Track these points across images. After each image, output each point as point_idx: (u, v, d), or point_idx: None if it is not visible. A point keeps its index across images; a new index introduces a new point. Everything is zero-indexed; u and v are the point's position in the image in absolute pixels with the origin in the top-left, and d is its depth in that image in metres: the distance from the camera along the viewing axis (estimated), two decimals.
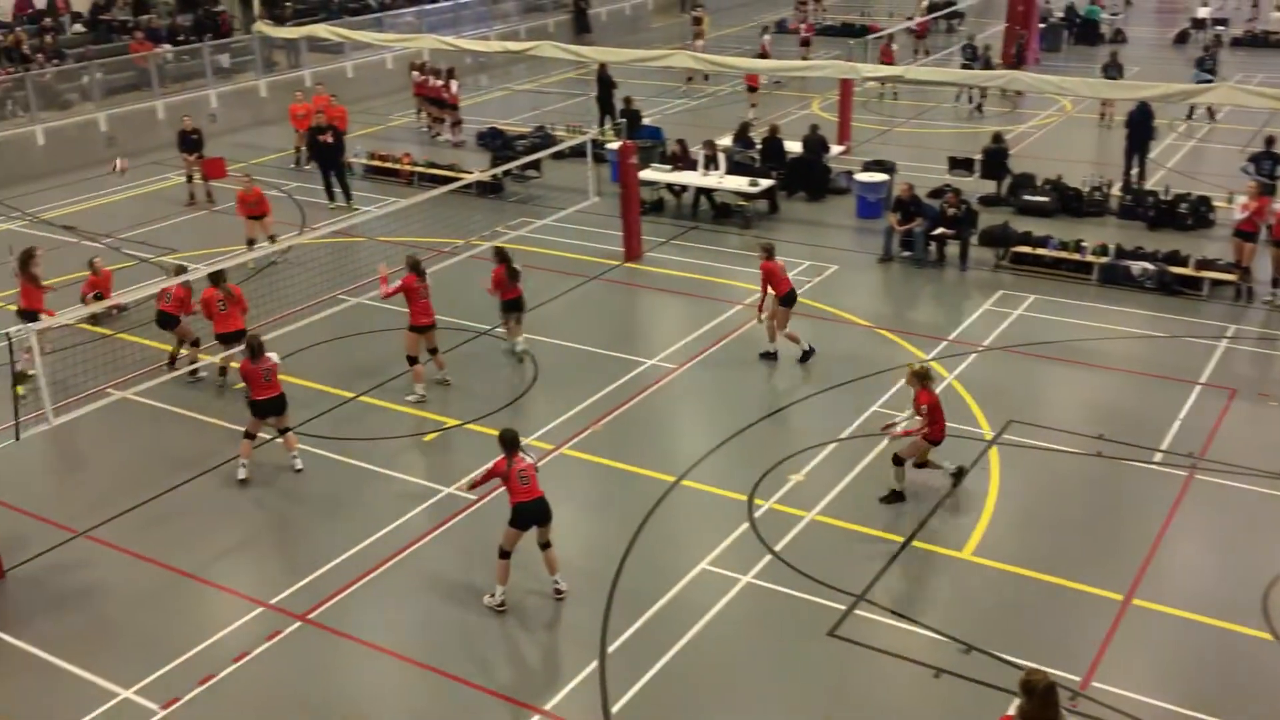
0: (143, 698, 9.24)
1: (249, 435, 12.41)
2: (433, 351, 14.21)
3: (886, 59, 28.71)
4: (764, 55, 30.19)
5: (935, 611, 10.00)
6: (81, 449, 13.47)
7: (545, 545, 10.22)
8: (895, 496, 11.63)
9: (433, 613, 10.24)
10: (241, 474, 12.35)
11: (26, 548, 11.31)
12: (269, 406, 12.25)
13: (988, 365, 14.64)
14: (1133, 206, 19.73)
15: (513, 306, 14.80)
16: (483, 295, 14.90)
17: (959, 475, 11.85)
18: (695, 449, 12.78)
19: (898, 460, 11.61)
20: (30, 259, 14.70)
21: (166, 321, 14.69)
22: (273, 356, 12.18)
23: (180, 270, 14.77)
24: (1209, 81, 25.71)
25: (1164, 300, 16.45)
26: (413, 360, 13.97)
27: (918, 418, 11.40)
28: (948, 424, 11.60)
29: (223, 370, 14.56)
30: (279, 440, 12.67)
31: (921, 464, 11.67)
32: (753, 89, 28.47)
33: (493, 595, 10.22)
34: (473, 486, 10.47)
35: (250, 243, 18.34)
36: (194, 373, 14.65)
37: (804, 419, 13.51)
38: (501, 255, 14.59)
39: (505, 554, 10.09)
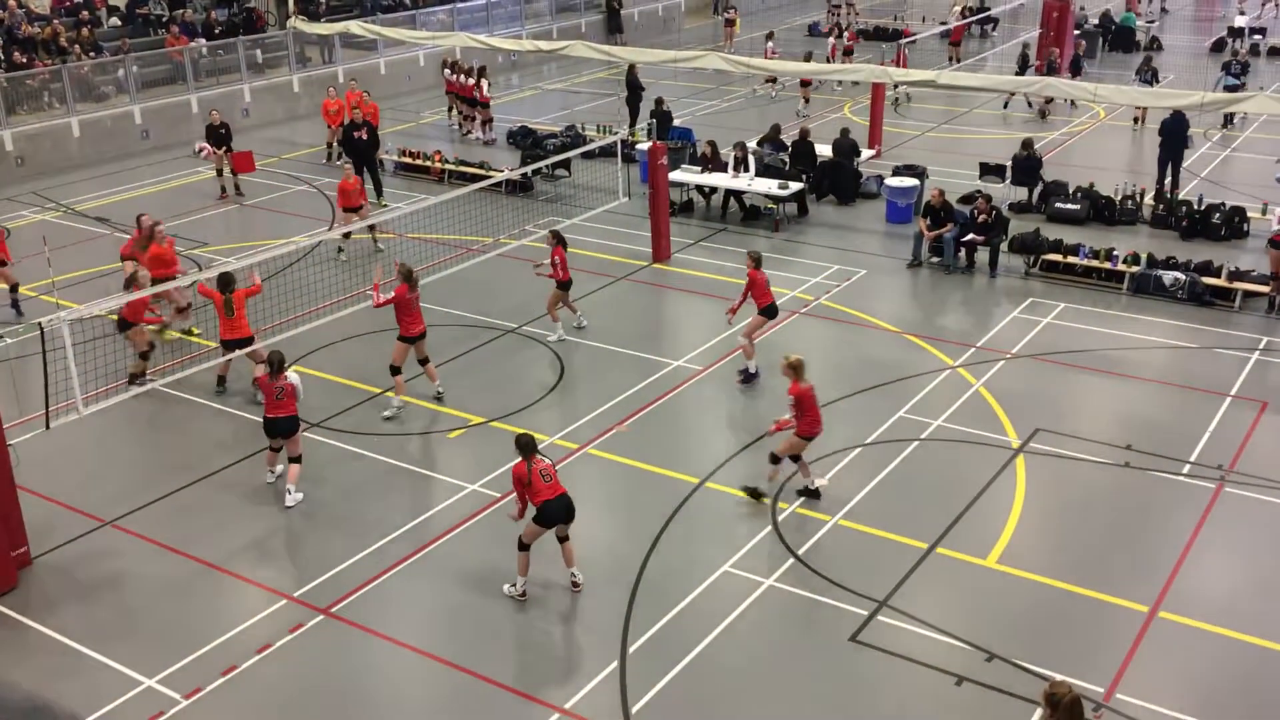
0: (166, 687, 9.30)
1: (272, 448, 12.23)
2: (423, 362, 13.87)
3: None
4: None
5: (958, 619, 9.94)
6: (111, 439, 13.58)
7: (564, 539, 10.31)
8: (753, 493, 11.72)
9: (455, 608, 10.27)
10: (269, 478, 12.32)
11: (54, 535, 11.42)
12: (276, 427, 11.80)
13: (1016, 373, 14.54)
14: (1165, 216, 19.57)
15: (568, 286, 15.40)
16: (510, 293, 15.00)
17: (809, 494, 11.71)
18: (720, 451, 12.77)
19: (773, 458, 11.67)
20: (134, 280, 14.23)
21: (122, 325, 14.15)
22: (292, 378, 11.76)
23: (132, 278, 14.02)
24: (1235, 87, 25.57)
25: (1195, 311, 16.29)
26: (396, 370, 13.64)
27: (789, 412, 11.42)
28: (972, 429, 11.52)
29: (221, 379, 14.35)
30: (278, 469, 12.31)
31: (795, 459, 11.65)
32: (806, 83, 28.38)
33: (514, 585, 10.33)
34: (520, 514, 10.19)
35: (346, 235, 18.66)
36: (137, 381, 14.10)
37: (829, 423, 13.39)
38: (559, 237, 15.20)
39: (525, 547, 10.20)
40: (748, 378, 14.33)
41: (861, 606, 10.06)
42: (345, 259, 18.78)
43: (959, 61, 32.46)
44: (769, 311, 14.29)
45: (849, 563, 10.70)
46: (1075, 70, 28.77)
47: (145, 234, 15.72)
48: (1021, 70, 28.71)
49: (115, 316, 14.29)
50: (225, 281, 13.39)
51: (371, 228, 18.76)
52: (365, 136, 21.54)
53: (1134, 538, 11.10)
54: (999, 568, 10.64)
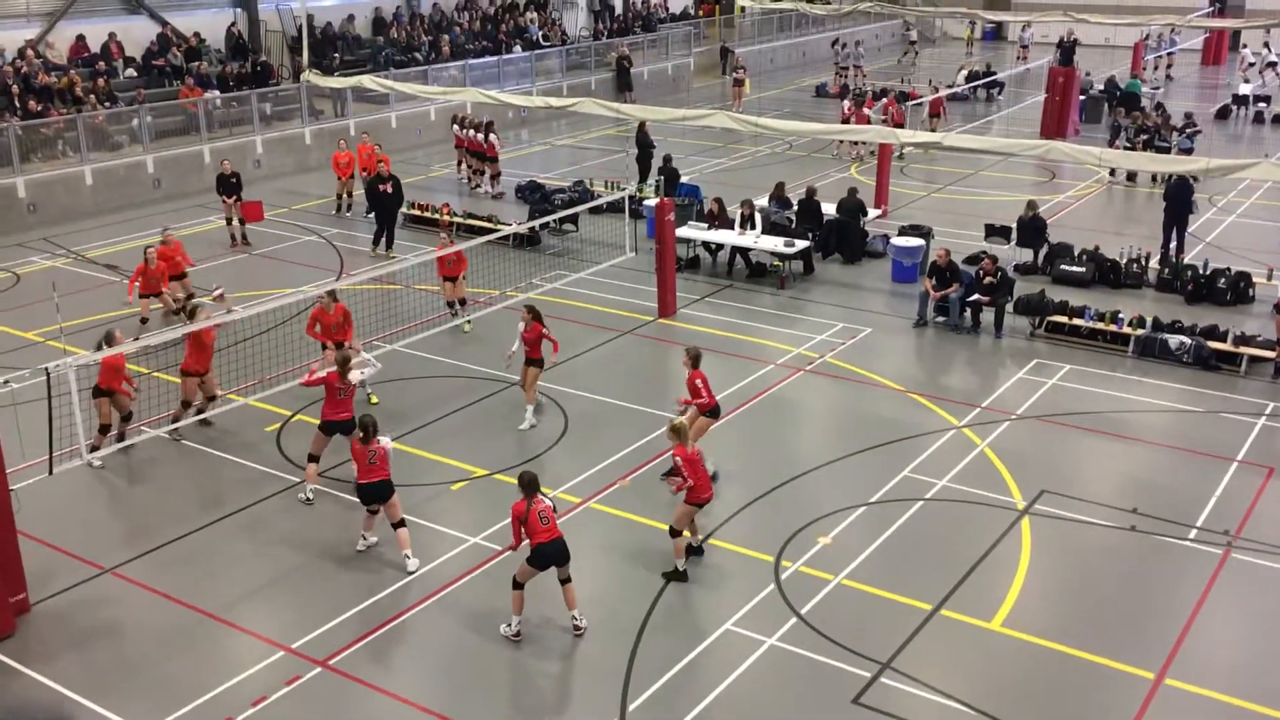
0: None
1: (370, 511, 11.73)
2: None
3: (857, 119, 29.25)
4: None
5: (962, 682, 9.83)
6: (112, 485, 13.56)
7: (565, 581, 10.35)
8: (675, 575, 11.30)
9: (454, 663, 10.18)
10: (361, 545, 11.87)
11: (53, 582, 11.36)
12: (371, 492, 11.43)
13: (1021, 434, 14.51)
14: (1170, 280, 19.62)
15: (539, 364, 14.68)
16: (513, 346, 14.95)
17: (673, 576, 11.32)
18: (722, 508, 12.70)
19: (672, 532, 11.37)
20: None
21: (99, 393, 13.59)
22: (384, 442, 11.43)
23: (109, 340, 13.29)
24: (1189, 150, 25.87)
25: (1201, 375, 16.28)
26: (313, 459, 12.81)
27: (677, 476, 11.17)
28: (977, 490, 11.45)
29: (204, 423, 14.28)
30: (370, 538, 11.99)
31: (677, 533, 11.29)
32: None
33: (509, 625, 10.34)
34: (517, 544, 10.28)
35: (450, 305, 17.92)
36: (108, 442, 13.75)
37: (833, 481, 13.40)
38: (536, 312, 14.51)
39: (519, 585, 10.26)
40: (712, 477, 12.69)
41: (864, 668, 9.96)
42: (470, 329, 18.07)
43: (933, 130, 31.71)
44: (713, 413, 13.13)
45: (852, 623, 10.61)
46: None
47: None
48: (1112, 140, 28.28)
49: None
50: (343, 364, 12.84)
51: (462, 300, 17.94)
52: (390, 190, 21.71)
53: (1140, 603, 11.00)
54: (1004, 631, 10.54)
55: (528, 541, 10.18)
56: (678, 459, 11.13)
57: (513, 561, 10.71)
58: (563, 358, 16.19)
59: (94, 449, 13.10)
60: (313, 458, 12.83)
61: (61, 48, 29.17)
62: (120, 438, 13.90)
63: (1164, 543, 12.02)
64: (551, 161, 30.57)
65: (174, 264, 18.37)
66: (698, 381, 12.89)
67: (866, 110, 30.77)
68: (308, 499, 12.89)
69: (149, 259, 17.01)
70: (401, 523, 11.57)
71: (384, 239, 21.95)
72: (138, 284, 17.80)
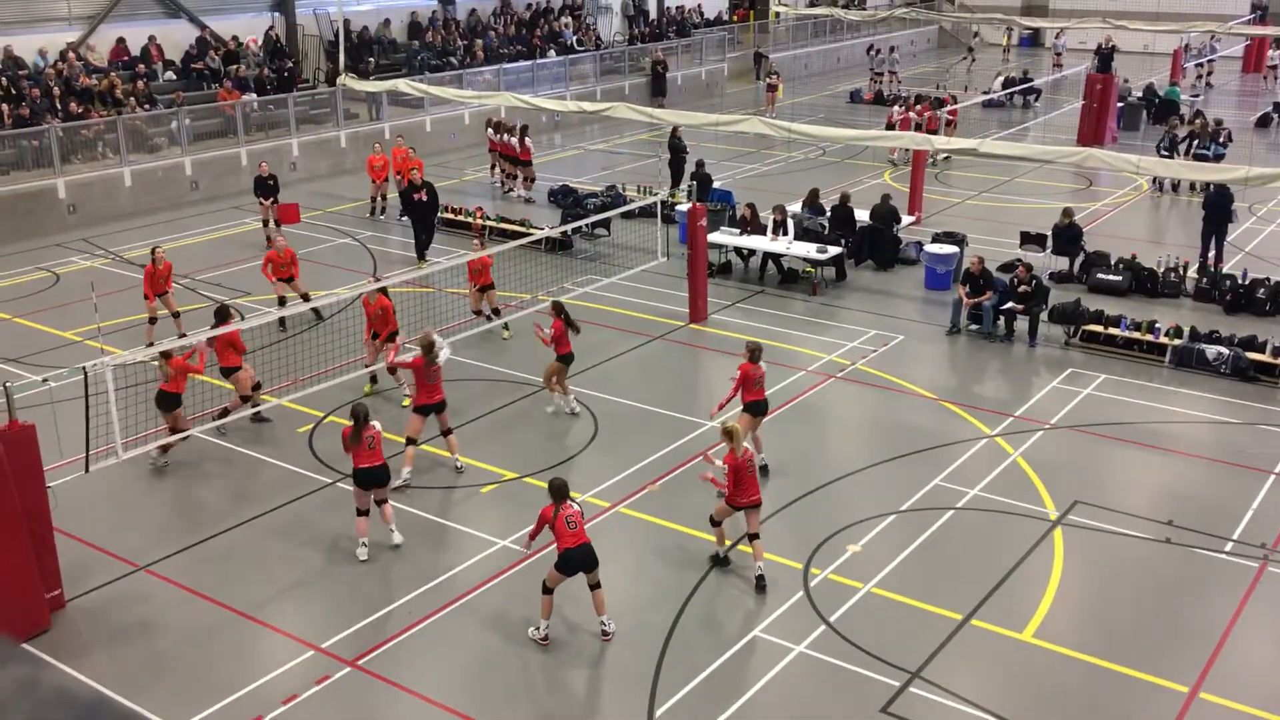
0: None
1: (361, 513, 11.86)
2: (446, 433, 13.69)
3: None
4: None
5: (993, 693, 9.75)
6: (148, 484, 13.69)
7: (595, 586, 10.37)
8: (716, 560, 11.64)
9: (482, 665, 10.20)
10: (362, 555, 11.79)
11: (88, 579, 11.49)
12: (373, 476, 11.70)
13: (1054, 444, 14.38)
14: (1208, 289, 19.41)
15: (569, 360, 14.85)
16: (546, 349, 14.99)
17: (717, 561, 11.66)
18: None
19: (712, 521, 11.63)
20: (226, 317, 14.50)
21: (166, 401, 13.71)
22: (376, 425, 11.86)
23: (223, 316, 14.24)
24: (1203, 157, 25.29)
25: (1239, 386, 16.08)
26: (411, 442, 13.38)
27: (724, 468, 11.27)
28: (1009, 499, 11.37)
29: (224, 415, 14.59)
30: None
31: (717, 524, 11.57)
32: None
33: (537, 629, 10.38)
34: (531, 539, 10.63)
35: (477, 313, 17.72)
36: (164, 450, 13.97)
37: (863, 489, 13.34)
38: (560, 309, 14.72)
39: (548, 590, 10.31)
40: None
41: (893, 677, 9.90)
42: (509, 335, 17.95)
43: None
44: (753, 409, 13.27)
45: (881, 632, 10.55)
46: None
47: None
48: (1170, 151, 27.81)
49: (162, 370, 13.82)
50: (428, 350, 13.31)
51: (496, 310, 17.85)
52: (425, 198, 21.64)
53: (1174, 616, 10.87)
54: (1035, 642, 10.44)
55: (555, 546, 10.22)
56: (723, 465, 11.19)
57: (541, 566, 10.74)
58: (594, 362, 16.21)
59: (223, 413, 14.49)
60: (410, 441, 13.37)
61: (102, 50, 29.53)
62: (254, 405, 14.67)
63: (1199, 555, 11.88)
64: (584, 166, 30.63)
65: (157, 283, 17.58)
66: (739, 372, 13.21)
67: (913, 115, 30.39)
68: (406, 482, 13.21)
69: (156, 259, 17.14)
70: (386, 500, 12.04)
71: (419, 248, 21.81)
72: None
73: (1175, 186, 27.00)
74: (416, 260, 21.76)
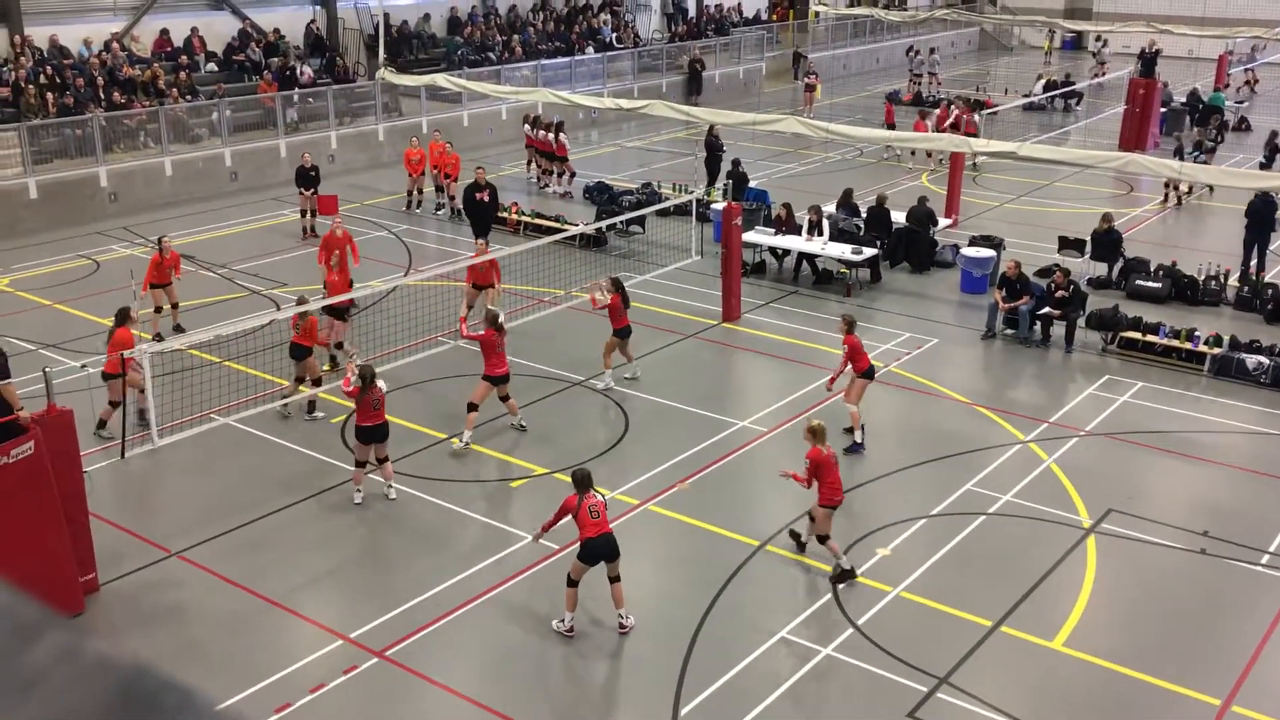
0: None
1: (359, 464, 12.73)
2: (504, 399, 14.34)
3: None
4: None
5: (1021, 701, 9.67)
6: (182, 471, 13.82)
7: (614, 579, 10.36)
8: (842, 574, 11.25)
9: (508, 658, 10.22)
10: (358, 499, 12.68)
11: (121, 564, 11.61)
12: (375, 433, 12.50)
13: (1089, 451, 14.24)
14: (1249, 298, 19.15)
15: (625, 334, 15.47)
16: (578, 345, 15.08)
17: (841, 577, 11.24)
18: (781, 515, 12.62)
19: (821, 539, 11.38)
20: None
21: (298, 351, 14.78)
22: (381, 385, 12.52)
23: (302, 301, 15.00)
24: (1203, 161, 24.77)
25: (1279, 397, 15.85)
26: (473, 408, 14.08)
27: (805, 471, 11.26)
28: (1042, 506, 11.27)
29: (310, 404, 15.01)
30: (375, 474, 12.88)
31: (823, 538, 11.33)
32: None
33: (562, 621, 10.40)
34: (544, 529, 10.65)
35: (470, 306, 17.49)
36: (310, 409, 14.97)
37: (894, 493, 13.26)
38: (618, 284, 15.39)
39: (573, 583, 10.31)
40: (853, 447, 14.01)
41: (921, 682, 9.83)
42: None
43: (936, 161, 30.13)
44: (869, 374, 14.21)
45: (909, 636, 10.48)
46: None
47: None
48: (1268, 162, 27.37)
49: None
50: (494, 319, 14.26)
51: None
52: (487, 198, 21.51)
53: (1208, 627, 10.73)
54: (1065, 650, 10.34)
55: (577, 535, 10.28)
56: (809, 460, 11.17)
57: (568, 560, 10.74)
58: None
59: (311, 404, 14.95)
60: (472, 406, 13.98)
61: (146, 41, 29.83)
62: (316, 382, 15.00)
63: (1235, 567, 11.72)
64: (620, 163, 30.63)
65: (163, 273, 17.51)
66: (848, 345, 13.85)
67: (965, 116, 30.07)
68: (464, 444, 13.91)
69: (163, 249, 17.24)
70: (387, 458, 12.74)
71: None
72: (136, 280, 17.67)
73: (1187, 191, 26.36)
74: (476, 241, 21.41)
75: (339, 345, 16.13)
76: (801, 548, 11.75)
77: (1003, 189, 27.75)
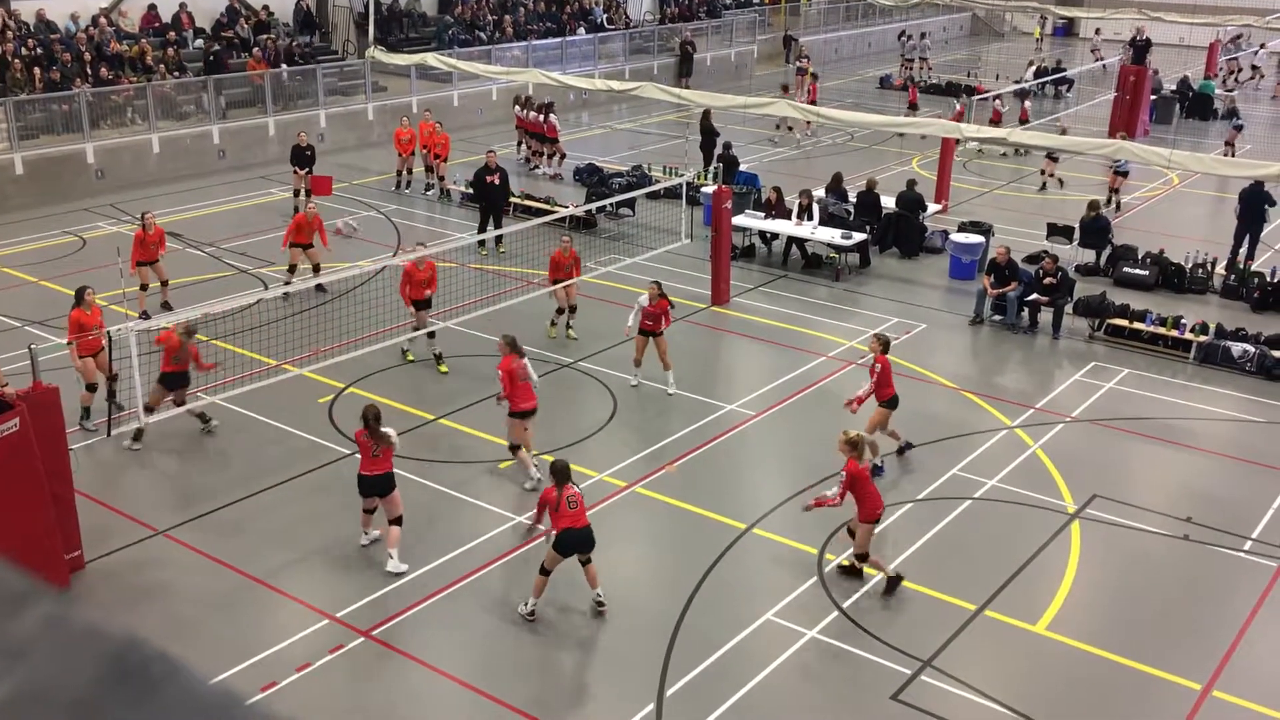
0: None
1: (366, 510, 11.47)
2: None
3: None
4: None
5: (1004, 684, 9.74)
6: (168, 450, 13.79)
7: (585, 562, 10.38)
8: (892, 582, 10.90)
9: (494, 639, 10.25)
10: (364, 540, 11.53)
11: (108, 541, 11.59)
12: (372, 485, 11.13)
13: (1075, 437, 14.31)
14: (1236, 286, 19.23)
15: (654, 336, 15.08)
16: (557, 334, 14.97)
17: (890, 587, 10.88)
18: (768, 498, 12.67)
19: (862, 558, 10.97)
20: None
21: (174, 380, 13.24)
22: (390, 433, 11.06)
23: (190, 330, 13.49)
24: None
25: (1264, 385, 15.94)
26: (515, 448, 12.79)
27: (835, 488, 10.79)
28: (1027, 491, 11.33)
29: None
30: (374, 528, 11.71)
31: (863, 556, 10.92)
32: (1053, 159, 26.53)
33: (525, 604, 10.41)
34: (535, 524, 10.86)
35: (559, 311, 17.02)
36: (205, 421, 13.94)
37: (881, 477, 13.30)
38: (661, 288, 15.00)
39: (545, 571, 10.33)
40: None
41: (905, 665, 9.89)
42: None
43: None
44: (892, 403, 12.92)
45: (894, 619, 10.54)
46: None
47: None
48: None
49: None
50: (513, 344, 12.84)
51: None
52: (498, 181, 21.03)
53: (1190, 613, 10.82)
54: (1048, 634, 10.42)
55: (552, 528, 10.33)
56: (846, 474, 10.64)
57: (537, 530, 10.76)
58: (613, 341, 16.21)
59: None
60: (514, 447, 12.79)
61: (134, 16, 29.60)
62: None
63: (1217, 553, 11.81)
64: (611, 145, 30.55)
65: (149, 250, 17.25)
66: (880, 365, 12.75)
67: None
68: (536, 480, 12.51)
69: (146, 225, 17.15)
70: (398, 520, 11.10)
71: (496, 239, 20.91)
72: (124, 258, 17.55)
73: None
74: (478, 248, 20.82)
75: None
76: (859, 574, 11.15)
77: (992, 175, 27.79)
